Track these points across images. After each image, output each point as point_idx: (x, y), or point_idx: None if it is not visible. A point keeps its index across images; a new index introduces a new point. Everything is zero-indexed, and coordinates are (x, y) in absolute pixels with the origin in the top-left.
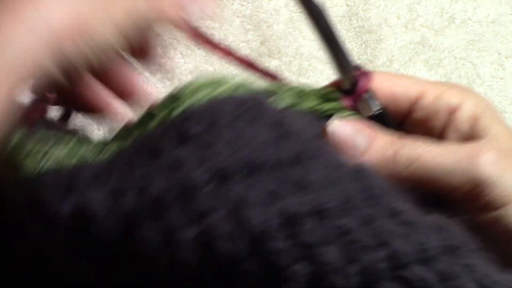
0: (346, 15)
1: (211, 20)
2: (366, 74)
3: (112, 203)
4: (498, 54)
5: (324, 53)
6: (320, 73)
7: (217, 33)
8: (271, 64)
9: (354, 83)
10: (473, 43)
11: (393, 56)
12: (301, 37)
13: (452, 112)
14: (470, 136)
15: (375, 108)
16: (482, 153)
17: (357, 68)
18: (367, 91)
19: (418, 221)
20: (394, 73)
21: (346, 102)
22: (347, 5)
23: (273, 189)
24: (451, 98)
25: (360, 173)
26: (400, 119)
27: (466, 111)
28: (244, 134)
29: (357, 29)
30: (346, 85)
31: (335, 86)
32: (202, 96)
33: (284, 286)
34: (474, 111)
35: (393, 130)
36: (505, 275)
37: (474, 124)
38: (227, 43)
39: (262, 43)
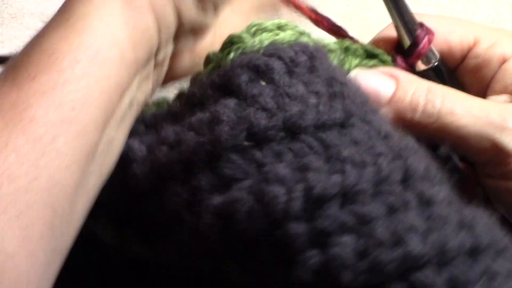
0: (346, 15)
1: None
2: (429, 31)
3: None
4: None
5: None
6: None
7: None
8: None
9: (416, 41)
10: None
11: None
12: None
13: (504, 61)
14: None
15: (433, 61)
16: (506, 119)
17: (420, 25)
18: (429, 48)
19: (446, 215)
20: (450, 18)
21: (399, 61)
22: (347, 5)
23: (303, 163)
24: (506, 47)
25: (400, 150)
26: (454, 67)
27: None
28: (291, 92)
29: (357, 29)
30: (407, 42)
31: (385, 42)
32: (264, 39)
33: (293, 271)
34: None
35: (449, 82)
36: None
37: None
38: None
39: None
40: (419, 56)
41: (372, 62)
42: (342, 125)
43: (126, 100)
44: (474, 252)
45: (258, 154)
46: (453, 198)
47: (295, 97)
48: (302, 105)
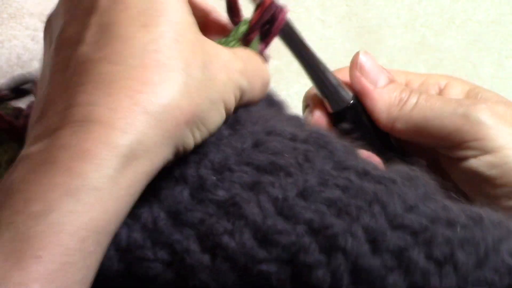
0: (346, 15)
1: None
2: (281, 8)
3: None
4: (498, 54)
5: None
6: None
7: None
8: (270, 64)
9: (272, 18)
10: (473, 43)
11: (393, 56)
12: None
13: (442, 90)
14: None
15: (348, 100)
16: (481, 103)
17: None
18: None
19: (389, 177)
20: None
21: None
22: (347, 5)
23: (254, 181)
24: (438, 79)
25: (318, 141)
26: None
27: (456, 87)
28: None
29: (357, 29)
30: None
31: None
32: None
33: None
34: (463, 87)
35: (365, 120)
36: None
37: (467, 96)
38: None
39: None
40: (275, 33)
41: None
42: (255, 145)
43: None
44: (426, 198)
45: (209, 195)
46: (375, 164)
47: (205, 143)
48: (216, 145)
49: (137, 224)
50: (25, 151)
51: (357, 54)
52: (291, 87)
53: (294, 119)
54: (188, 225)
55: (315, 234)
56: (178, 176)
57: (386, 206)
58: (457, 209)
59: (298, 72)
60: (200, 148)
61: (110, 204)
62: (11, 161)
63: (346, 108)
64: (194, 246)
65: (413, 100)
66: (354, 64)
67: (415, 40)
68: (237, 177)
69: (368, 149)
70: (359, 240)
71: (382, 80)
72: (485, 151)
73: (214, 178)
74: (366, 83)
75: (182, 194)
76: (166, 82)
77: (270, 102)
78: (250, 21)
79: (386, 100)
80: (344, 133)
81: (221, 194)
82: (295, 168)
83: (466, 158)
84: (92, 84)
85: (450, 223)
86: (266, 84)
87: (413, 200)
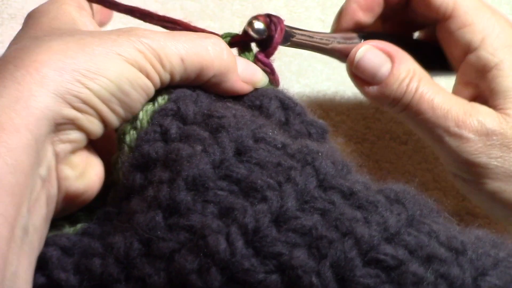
0: None
1: (211, 20)
2: (279, 20)
3: None
4: None
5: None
6: (320, 73)
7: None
8: None
9: (270, 34)
10: None
11: None
12: None
13: (468, 51)
14: None
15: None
16: (474, 112)
17: (267, 16)
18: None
19: (372, 200)
20: None
21: (260, 56)
22: None
23: (226, 206)
24: (477, 34)
25: (305, 156)
26: (427, 23)
27: None
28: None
29: None
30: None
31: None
32: (146, 109)
33: None
34: None
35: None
36: (465, 234)
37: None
38: None
39: None
40: (276, 47)
41: None
42: (238, 153)
43: (18, 232)
44: (411, 223)
45: (181, 221)
46: (366, 181)
47: (182, 156)
48: (190, 158)
49: (111, 256)
50: None
51: (353, 52)
52: (292, 87)
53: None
54: (159, 257)
55: (282, 271)
56: (152, 198)
57: (361, 239)
58: (443, 235)
59: (298, 73)
60: (174, 163)
61: None
62: None
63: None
64: (164, 281)
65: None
66: (350, 62)
67: None
68: (212, 196)
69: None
70: (325, 279)
71: (382, 74)
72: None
73: (188, 198)
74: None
75: (154, 219)
76: (36, 49)
77: (284, 105)
78: (235, 35)
79: (386, 95)
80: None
81: (193, 219)
82: (272, 190)
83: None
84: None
85: (428, 258)
86: (208, 50)
87: (394, 227)
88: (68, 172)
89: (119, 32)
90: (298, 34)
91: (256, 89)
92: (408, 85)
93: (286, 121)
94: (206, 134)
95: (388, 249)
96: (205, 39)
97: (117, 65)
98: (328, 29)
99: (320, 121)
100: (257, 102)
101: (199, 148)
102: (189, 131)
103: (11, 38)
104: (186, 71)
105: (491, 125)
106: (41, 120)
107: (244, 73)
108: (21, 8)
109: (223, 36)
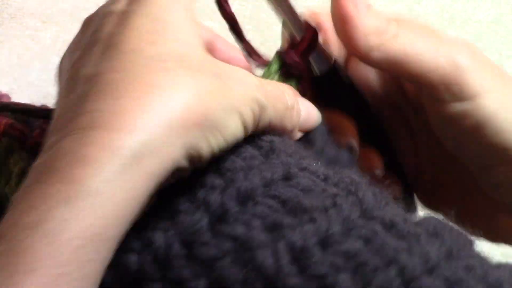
0: None
1: (211, 20)
2: (313, 29)
3: None
4: (499, 54)
5: None
6: None
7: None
8: None
9: (304, 36)
10: (473, 43)
11: None
12: None
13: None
14: None
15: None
16: (463, 46)
17: (306, 23)
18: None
19: (414, 232)
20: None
21: (292, 54)
22: None
23: (275, 222)
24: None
25: (348, 186)
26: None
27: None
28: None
29: None
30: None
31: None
32: None
33: None
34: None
35: (347, 86)
36: (500, 269)
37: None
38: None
39: (262, 43)
40: (308, 51)
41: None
42: (286, 178)
43: None
44: (450, 257)
45: (227, 229)
46: (403, 213)
47: (236, 167)
48: (243, 171)
49: (149, 253)
50: (34, 163)
51: None
52: None
53: (335, 157)
54: (201, 261)
55: None
56: (201, 200)
57: (404, 268)
58: (480, 269)
59: None
60: (228, 173)
61: (109, 208)
62: (22, 172)
63: (329, 70)
64: (204, 287)
65: (393, 31)
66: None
67: None
68: (260, 211)
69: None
70: None
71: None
72: (462, 97)
73: (237, 209)
74: (350, 8)
75: (200, 222)
76: (174, 84)
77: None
78: (287, 53)
79: (365, 27)
80: (324, 99)
81: (239, 229)
82: (320, 212)
83: (444, 101)
84: (97, 92)
85: None
86: (287, 105)
87: (434, 260)
88: None
89: (241, 79)
90: None
91: None
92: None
93: (321, 149)
94: (257, 153)
95: (429, 282)
96: (290, 104)
97: (235, 126)
98: None
99: (348, 145)
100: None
101: (254, 163)
102: (241, 147)
103: (12, 38)
104: (259, 130)
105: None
106: (168, 171)
107: (304, 123)
108: (21, 8)
109: (273, 62)
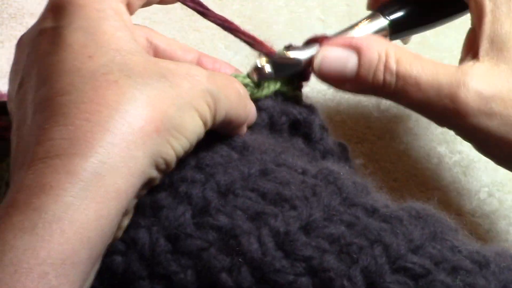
0: (346, 15)
1: (197, 32)
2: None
3: None
4: None
5: None
6: None
7: (217, 33)
8: None
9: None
10: None
11: None
12: (301, 37)
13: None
14: None
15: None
16: (467, 80)
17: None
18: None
19: (396, 215)
20: None
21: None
22: (347, 5)
23: (257, 211)
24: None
25: (327, 176)
26: None
27: None
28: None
29: None
30: None
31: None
32: None
33: None
34: None
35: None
36: (486, 249)
37: None
38: (227, 43)
39: None
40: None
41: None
42: (263, 173)
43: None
44: (434, 238)
45: (211, 220)
46: (386, 201)
47: (215, 162)
48: (223, 166)
49: (135, 252)
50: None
51: (313, 63)
52: None
53: (310, 153)
54: (187, 254)
55: (313, 274)
56: (183, 195)
57: (389, 247)
58: (465, 250)
59: None
60: (208, 168)
61: (72, 233)
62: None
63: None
64: (192, 279)
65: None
66: (315, 72)
67: (415, 40)
68: (241, 202)
69: None
70: (356, 284)
71: (350, 71)
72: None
73: (218, 201)
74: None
75: (184, 215)
76: (123, 98)
77: (307, 125)
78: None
79: (365, 88)
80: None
81: (222, 220)
82: (300, 201)
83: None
84: (48, 120)
85: (454, 268)
86: (240, 93)
87: (419, 240)
88: (125, 222)
89: (188, 73)
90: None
91: (281, 106)
92: (385, 71)
93: (309, 142)
94: (232, 151)
95: (415, 258)
96: (242, 93)
97: (194, 123)
98: (328, 30)
99: (340, 141)
100: (282, 121)
101: (231, 159)
102: (216, 146)
103: (11, 38)
104: (217, 123)
105: (487, 91)
106: (136, 185)
107: (251, 118)
108: (21, 8)
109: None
